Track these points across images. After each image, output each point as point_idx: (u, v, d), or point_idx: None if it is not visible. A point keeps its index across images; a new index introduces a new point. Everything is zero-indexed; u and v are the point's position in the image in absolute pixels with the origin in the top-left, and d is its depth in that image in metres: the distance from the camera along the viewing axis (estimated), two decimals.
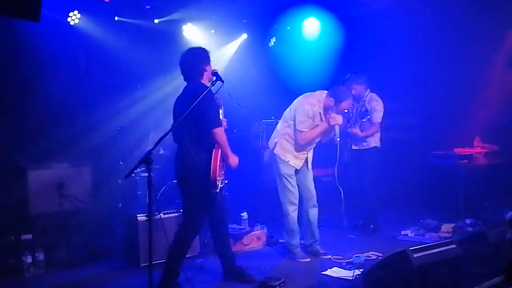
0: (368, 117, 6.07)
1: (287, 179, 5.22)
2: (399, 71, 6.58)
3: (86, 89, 6.22)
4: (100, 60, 6.36)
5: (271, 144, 5.37)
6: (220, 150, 4.24)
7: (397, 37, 7.16)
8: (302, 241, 5.45)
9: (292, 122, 5.20)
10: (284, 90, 6.73)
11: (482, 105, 7.64)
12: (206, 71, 4.35)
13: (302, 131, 5.12)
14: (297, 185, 5.30)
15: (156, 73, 6.80)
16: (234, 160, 4.39)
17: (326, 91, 5.22)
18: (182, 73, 4.40)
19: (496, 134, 7.85)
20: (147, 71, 6.71)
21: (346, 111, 5.98)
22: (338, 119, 5.11)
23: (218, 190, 4.21)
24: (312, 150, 5.36)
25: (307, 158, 5.30)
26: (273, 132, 5.47)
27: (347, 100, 5.14)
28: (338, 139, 5.21)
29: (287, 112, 5.32)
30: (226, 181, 4.56)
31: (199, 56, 4.39)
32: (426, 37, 7.12)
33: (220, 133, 4.23)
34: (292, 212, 5.23)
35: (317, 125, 5.15)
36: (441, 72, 7.34)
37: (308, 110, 5.12)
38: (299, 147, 5.21)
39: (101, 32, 6.32)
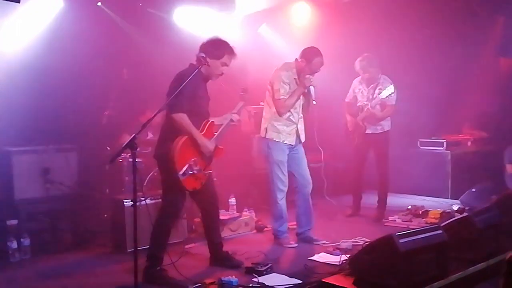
0: (389, 96, 5.94)
1: (278, 166, 5.18)
2: (387, 58, 6.55)
3: (72, 73, 6.11)
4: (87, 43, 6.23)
5: (261, 131, 5.33)
6: (185, 136, 4.14)
7: (386, 23, 7.12)
8: (295, 228, 5.43)
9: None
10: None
11: (471, 91, 7.65)
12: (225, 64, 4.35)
13: (280, 99, 5.08)
14: (291, 172, 5.27)
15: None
16: (206, 147, 4.25)
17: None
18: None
19: (485, 121, 7.88)
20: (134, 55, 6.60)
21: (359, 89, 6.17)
22: (312, 80, 5.10)
23: (182, 174, 4.08)
24: (302, 122, 5.31)
25: (298, 131, 5.25)
26: (262, 119, 5.41)
27: (317, 58, 5.09)
28: (314, 102, 5.16)
29: (267, 93, 5.27)
30: (210, 171, 4.47)
31: (223, 47, 4.35)
32: (416, 24, 7.09)
33: (178, 119, 4.09)
34: (281, 199, 5.20)
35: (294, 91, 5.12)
36: (430, 59, 7.32)
37: (282, 76, 5.10)
38: (287, 121, 5.17)
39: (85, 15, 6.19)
